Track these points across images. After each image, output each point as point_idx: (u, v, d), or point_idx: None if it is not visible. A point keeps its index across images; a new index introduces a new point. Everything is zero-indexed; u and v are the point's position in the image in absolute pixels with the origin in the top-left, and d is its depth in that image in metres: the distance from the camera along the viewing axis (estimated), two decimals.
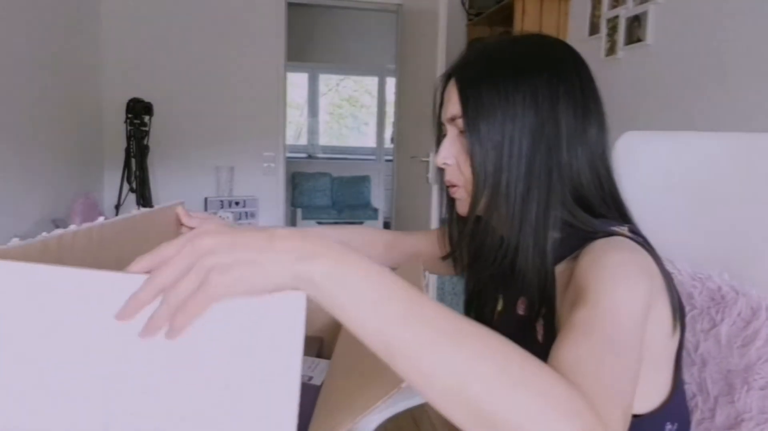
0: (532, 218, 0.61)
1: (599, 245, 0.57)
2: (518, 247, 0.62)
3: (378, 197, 5.86)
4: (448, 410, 0.37)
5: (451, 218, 0.74)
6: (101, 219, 0.56)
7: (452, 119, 0.66)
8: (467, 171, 0.65)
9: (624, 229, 0.61)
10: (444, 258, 0.80)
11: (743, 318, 0.69)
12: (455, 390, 0.36)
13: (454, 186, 0.68)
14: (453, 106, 0.65)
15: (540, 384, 0.37)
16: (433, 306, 0.38)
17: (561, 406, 0.36)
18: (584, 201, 0.63)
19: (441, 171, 0.70)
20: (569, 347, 0.46)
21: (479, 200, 0.64)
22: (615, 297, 0.50)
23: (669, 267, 0.63)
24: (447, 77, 0.68)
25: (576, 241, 0.60)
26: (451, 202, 0.72)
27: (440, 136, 0.70)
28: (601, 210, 0.63)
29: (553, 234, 0.62)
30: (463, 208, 0.69)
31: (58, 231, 0.47)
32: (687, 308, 0.74)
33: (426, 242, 0.89)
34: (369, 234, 0.94)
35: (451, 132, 0.67)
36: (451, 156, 0.67)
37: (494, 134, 0.61)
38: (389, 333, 0.36)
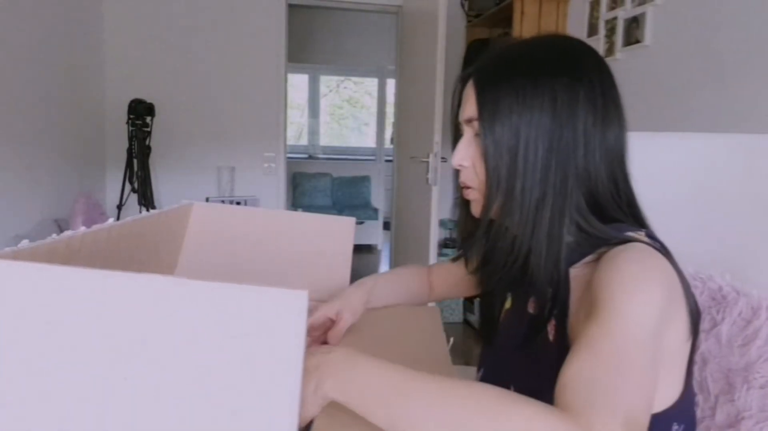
0: (546, 224, 0.60)
1: (617, 254, 0.56)
2: (530, 252, 0.61)
3: (378, 197, 5.86)
4: None
5: (463, 218, 0.74)
6: (110, 221, 0.56)
7: (469, 121, 0.65)
8: (482, 173, 0.64)
9: (641, 234, 0.60)
10: (455, 259, 0.81)
11: (744, 317, 0.69)
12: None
13: (468, 188, 0.68)
14: (470, 107, 0.64)
15: (519, 420, 0.43)
16: (421, 377, 0.47)
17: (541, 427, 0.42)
18: (599, 207, 0.62)
19: (457, 171, 0.69)
20: (574, 363, 0.48)
21: (492, 204, 0.63)
22: (627, 311, 0.50)
23: None
24: (466, 78, 0.67)
25: (590, 246, 0.60)
26: (464, 201, 0.72)
27: (457, 136, 0.70)
28: (616, 215, 0.62)
29: (567, 238, 0.62)
30: (477, 209, 0.68)
31: (68, 234, 0.47)
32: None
33: (456, 265, 0.89)
34: (411, 276, 0.94)
35: (468, 133, 0.66)
36: (467, 158, 0.66)
37: (510, 138, 0.60)
38: (391, 412, 0.46)
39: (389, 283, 0.92)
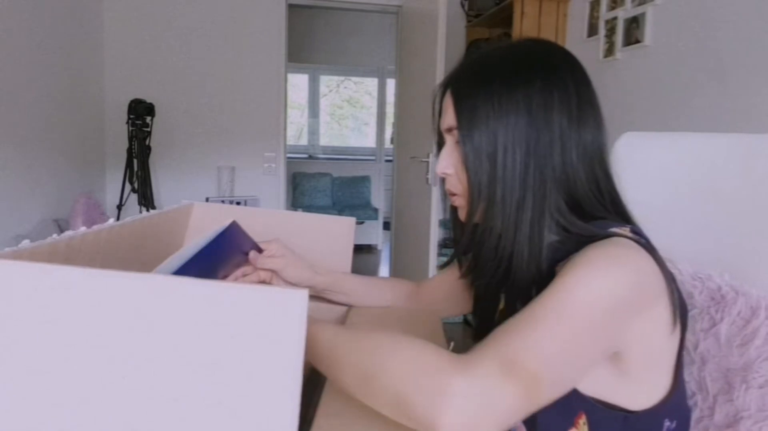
0: (527, 226, 0.61)
1: (593, 246, 0.57)
2: (513, 254, 0.63)
3: (378, 197, 5.86)
4: (352, 387, 0.51)
5: (454, 224, 0.75)
6: (111, 221, 0.57)
7: (449, 130, 0.67)
8: (464, 180, 0.65)
9: (626, 230, 0.60)
10: (444, 266, 0.82)
11: (743, 317, 0.69)
12: (356, 369, 0.51)
13: (454, 194, 0.69)
14: (449, 117, 0.66)
15: (403, 358, 0.48)
16: (343, 334, 0.55)
17: (423, 365, 0.46)
18: (579, 206, 0.63)
19: (442, 179, 0.71)
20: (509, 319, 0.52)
21: (476, 209, 0.64)
22: (573, 285, 0.51)
23: (669, 267, 0.63)
24: (445, 86, 0.69)
25: (575, 243, 0.60)
26: (453, 208, 0.73)
27: (440, 144, 0.71)
28: (599, 213, 0.63)
29: (551, 238, 0.63)
30: (462, 214, 0.70)
31: (68, 234, 0.47)
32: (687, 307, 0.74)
33: (446, 277, 0.90)
34: (393, 287, 0.94)
35: (449, 141, 0.68)
36: (450, 165, 0.68)
37: (488, 145, 0.62)
38: (322, 354, 0.54)
39: (359, 276, 0.93)
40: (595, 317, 0.51)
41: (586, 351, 0.51)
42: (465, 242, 0.70)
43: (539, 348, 0.47)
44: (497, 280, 0.67)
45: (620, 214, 0.65)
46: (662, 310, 0.57)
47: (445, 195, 0.73)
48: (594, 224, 0.62)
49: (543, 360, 0.47)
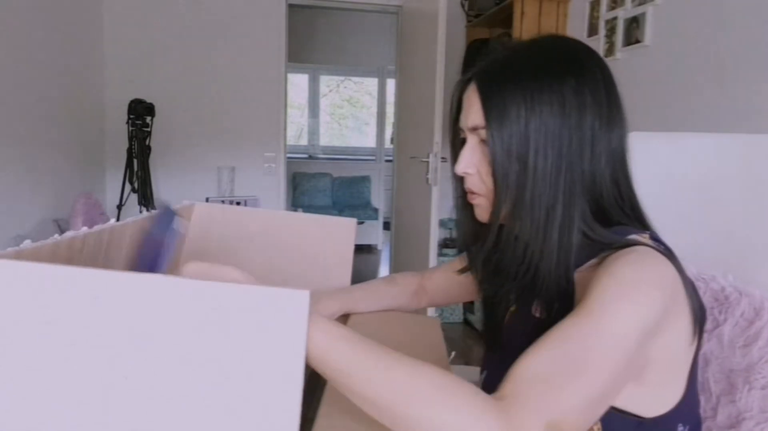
0: (556, 231, 0.59)
1: (617, 257, 0.55)
2: (542, 258, 0.60)
3: (378, 197, 5.86)
4: (377, 417, 0.47)
5: (466, 223, 0.72)
6: (112, 221, 0.56)
7: (474, 128, 0.63)
8: (489, 180, 0.62)
9: (645, 236, 0.59)
10: (462, 270, 0.80)
11: (746, 318, 0.69)
12: (380, 406, 0.46)
13: (474, 194, 0.66)
14: (474, 115, 0.62)
15: (448, 411, 0.44)
16: (377, 356, 0.47)
17: (465, 416, 0.43)
18: (603, 211, 0.61)
19: (459, 178, 0.68)
20: (535, 352, 0.49)
21: (500, 210, 0.62)
22: (608, 315, 0.50)
23: None
24: (466, 82, 0.65)
25: (594, 249, 0.60)
26: (465, 205, 0.70)
27: (456, 141, 0.68)
28: (620, 219, 0.62)
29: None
30: (483, 215, 0.67)
31: (69, 234, 0.47)
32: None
33: (450, 271, 0.87)
34: (398, 291, 0.92)
35: (472, 140, 0.64)
36: (472, 165, 0.64)
37: (519, 146, 0.59)
38: (336, 367, 0.47)
39: (368, 287, 0.90)
40: (630, 349, 0.50)
41: (622, 382, 0.51)
42: (487, 246, 0.66)
43: (584, 403, 0.46)
44: (520, 286, 0.65)
45: (639, 219, 0.63)
46: (683, 321, 0.56)
47: (463, 193, 0.69)
48: (614, 230, 0.60)
49: (587, 413, 0.47)
